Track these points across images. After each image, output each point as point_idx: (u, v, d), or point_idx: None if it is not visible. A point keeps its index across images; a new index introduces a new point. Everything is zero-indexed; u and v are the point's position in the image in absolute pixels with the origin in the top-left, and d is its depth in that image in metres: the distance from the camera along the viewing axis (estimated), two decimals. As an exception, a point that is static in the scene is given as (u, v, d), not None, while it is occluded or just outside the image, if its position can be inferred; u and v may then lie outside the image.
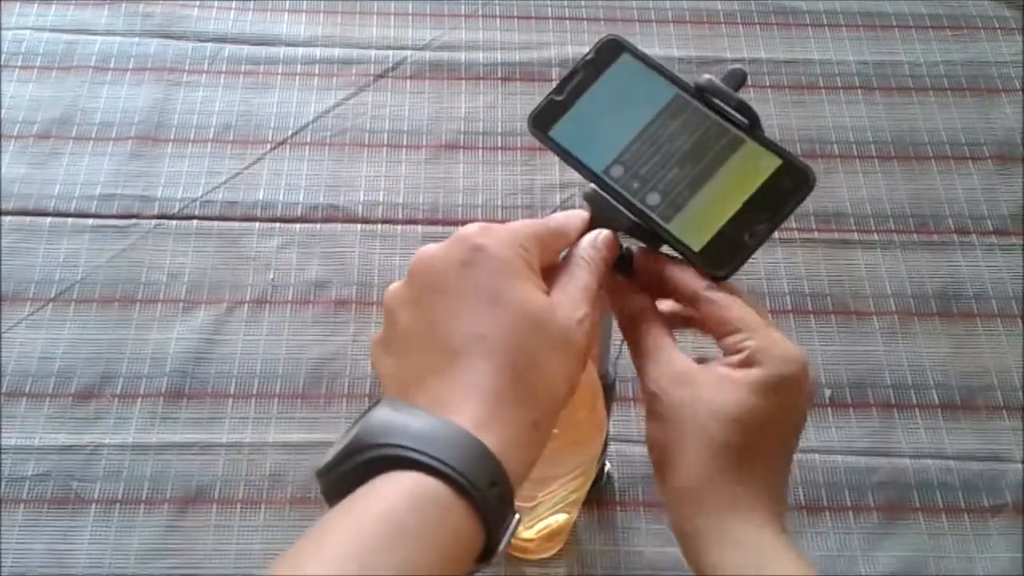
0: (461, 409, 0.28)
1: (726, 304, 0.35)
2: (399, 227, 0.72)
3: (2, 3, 0.83)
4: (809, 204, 0.55)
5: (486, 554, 0.28)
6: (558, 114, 0.38)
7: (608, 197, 0.36)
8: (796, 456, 0.65)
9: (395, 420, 0.28)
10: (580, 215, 0.36)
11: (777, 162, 0.35)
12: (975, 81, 0.80)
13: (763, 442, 0.33)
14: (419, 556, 0.26)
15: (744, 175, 0.36)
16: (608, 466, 0.60)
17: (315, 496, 0.60)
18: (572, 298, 0.32)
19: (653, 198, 0.36)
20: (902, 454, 0.62)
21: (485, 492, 0.27)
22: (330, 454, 0.29)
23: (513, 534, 0.29)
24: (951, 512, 0.60)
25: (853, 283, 0.69)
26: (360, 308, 0.68)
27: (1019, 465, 0.62)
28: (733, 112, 0.36)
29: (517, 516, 0.29)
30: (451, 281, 0.31)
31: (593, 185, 0.37)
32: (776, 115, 0.76)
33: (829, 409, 0.64)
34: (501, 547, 0.28)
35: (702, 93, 0.37)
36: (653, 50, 0.78)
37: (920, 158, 0.76)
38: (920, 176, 0.75)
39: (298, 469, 0.61)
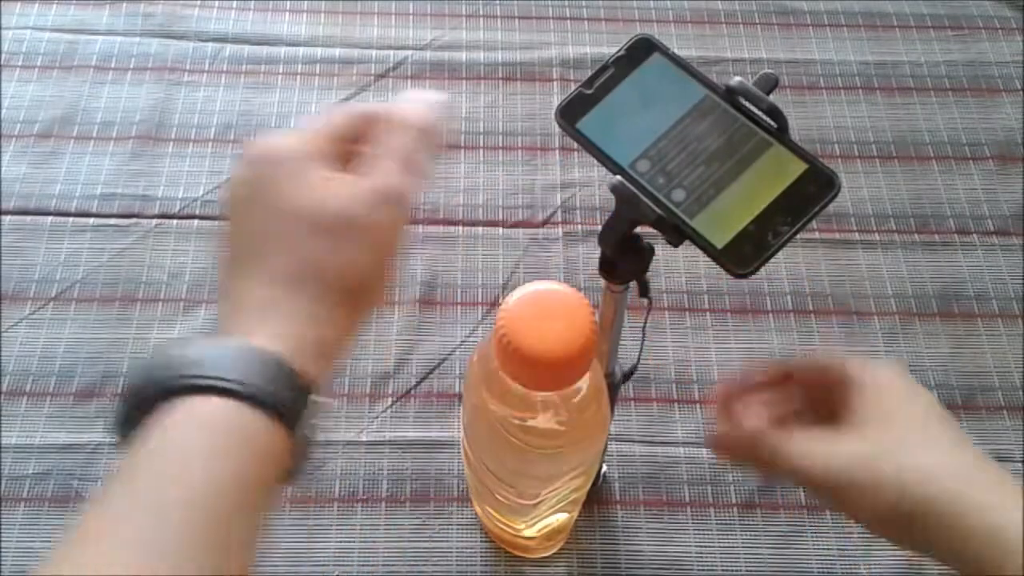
0: (239, 322, 0.30)
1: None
2: (400, 227, 0.72)
3: (2, 3, 0.83)
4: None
5: (298, 448, 0.29)
6: (587, 107, 0.38)
7: (633, 189, 0.37)
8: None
9: (161, 355, 0.29)
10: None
11: (803, 167, 0.36)
12: (976, 81, 0.80)
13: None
14: (221, 470, 0.27)
15: (770, 177, 0.36)
16: (604, 467, 0.60)
17: (315, 495, 0.60)
18: (370, 180, 0.32)
19: (678, 194, 0.36)
20: (903, 454, 0.62)
21: (263, 388, 0.28)
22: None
23: (318, 415, 0.30)
24: (952, 512, 0.60)
25: (854, 283, 0.69)
26: (361, 308, 0.68)
27: (1019, 465, 0.62)
28: (761, 115, 0.37)
29: (320, 400, 0.30)
30: (237, 202, 0.33)
31: (619, 177, 0.37)
32: (777, 115, 0.76)
33: (830, 409, 0.64)
34: (306, 433, 0.29)
35: (731, 95, 0.37)
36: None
37: (921, 158, 0.76)
38: (921, 176, 0.75)
39: (299, 468, 0.61)
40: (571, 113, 0.38)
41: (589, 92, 0.38)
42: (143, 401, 0.28)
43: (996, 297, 0.69)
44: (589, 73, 0.39)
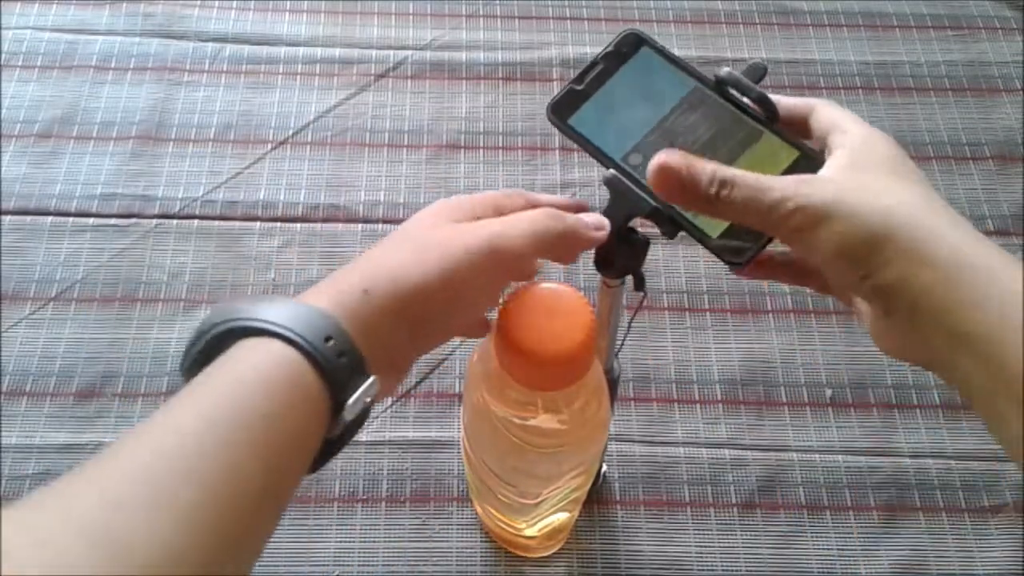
0: (318, 293, 0.33)
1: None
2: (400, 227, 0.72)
3: (2, 3, 0.83)
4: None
5: (337, 410, 0.31)
6: (578, 103, 0.38)
7: (627, 183, 0.37)
8: (796, 456, 0.65)
9: (233, 304, 0.31)
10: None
11: (795, 154, 0.36)
12: (976, 81, 0.80)
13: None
14: (262, 404, 0.28)
15: (762, 166, 0.36)
16: (604, 467, 0.60)
17: (315, 495, 0.60)
18: (487, 227, 0.35)
19: None
20: (903, 453, 0.62)
21: (317, 345, 0.30)
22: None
23: (369, 395, 0.31)
24: (951, 512, 0.60)
25: (854, 283, 0.69)
26: (361, 307, 0.68)
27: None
28: (751, 105, 0.37)
29: (372, 378, 0.31)
30: (401, 229, 0.38)
31: (613, 171, 0.37)
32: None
33: (830, 409, 0.64)
34: (350, 402, 0.30)
35: (721, 86, 0.37)
36: (654, 50, 0.78)
37: (921, 158, 0.76)
38: (921, 176, 0.75)
39: (299, 468, 0.61)
40: (562, 109, 0.38)
41: (580, 88, 0.39)
42: (212, 337, 0.31)
43: (996, 297, 0.69)
44: (588, 72, 0.39)
